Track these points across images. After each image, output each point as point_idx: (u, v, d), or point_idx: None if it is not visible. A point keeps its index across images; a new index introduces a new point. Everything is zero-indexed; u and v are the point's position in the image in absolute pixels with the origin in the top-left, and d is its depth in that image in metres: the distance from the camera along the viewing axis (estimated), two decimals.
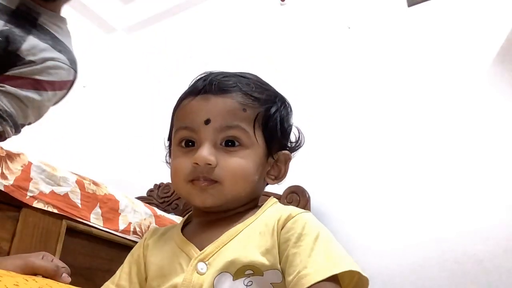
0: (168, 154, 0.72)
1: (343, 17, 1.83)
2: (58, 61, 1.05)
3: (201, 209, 0.65)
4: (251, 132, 0.61)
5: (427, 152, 1.44)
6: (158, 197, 1.86)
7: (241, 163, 0.60)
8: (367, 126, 1.59)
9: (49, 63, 1.03)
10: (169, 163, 0.70)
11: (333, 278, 0.52)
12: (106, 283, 0.65)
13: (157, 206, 1.62)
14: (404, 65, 1.61)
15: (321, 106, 1.72)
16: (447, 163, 1.39)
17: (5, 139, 1.01)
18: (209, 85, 0.63)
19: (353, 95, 1.68)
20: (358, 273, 0.54)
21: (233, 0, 2.27)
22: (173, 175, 0.64)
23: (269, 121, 0.64)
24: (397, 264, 1.33)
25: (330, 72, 1.78)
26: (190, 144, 0.63)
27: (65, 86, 1.09)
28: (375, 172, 1.50)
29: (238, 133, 0.61)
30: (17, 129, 1.02)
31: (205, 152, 0.59)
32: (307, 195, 1.45)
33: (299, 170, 1.57)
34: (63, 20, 1.10)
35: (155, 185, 1.92)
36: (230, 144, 0.61)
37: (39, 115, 1.06)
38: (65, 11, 1.22)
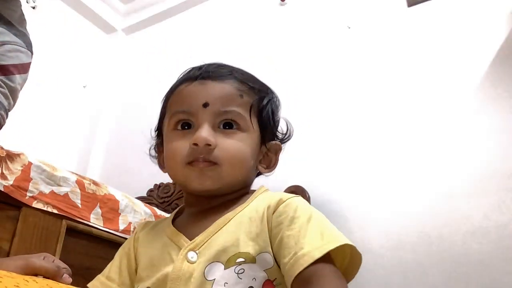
0: (155, 146, 0.72)
1: (343, 17, 1.83)
2: (16, 44, 1.03)
3: (194, 197, 0.65)
4: (247, 117, 0.63)
5: (430, 153, 1.44)
6: (158, 197, 1.86)
7: (239, 145, 0.61)
8: (367, 126, 1.59)
9: (7, 46, 1.01)
10: (155, 156, 0.72)
11: (328, 259, 0.52)
12: (98, 276, 0.65)
13: (157, 206, 1.62)
14: (404, 65, 1.61)
15: (321, 106, 1.72)
16: (450, 167, 1.39)
17: (1, 127, 1.00)
18: (205, 72, 0.64)
19: (353, 95, 1.67)
20: (350, 252, 0.54)
21: (233, 0, 2.27)
22: (170, 158, 0.63)
23: (263, 110, 0.65)
24: (396, 264, 1.33)
25: (330, 72, 1.77)
26: (186, 128, 0.62)
27: (27, 68, 1.08)
28: (376, 172, 1.50)
29: (236, 117, 0.62)
30: (7, 117, 1.02)
31: (205, 133, 0.59)
32: (307, 195, 1.45)
33: (299, 170, 1.58)
34: (16, 3, 1.07)
35: (155, 185, 1.91)
36: (227, 127, 0.61)
37: (14, 102, 1.05)
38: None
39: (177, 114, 0.63)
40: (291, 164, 1.54)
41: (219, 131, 0.61)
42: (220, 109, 0.61)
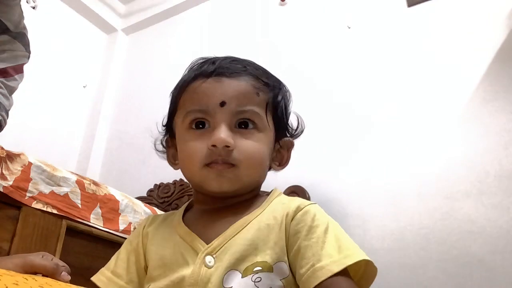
0: (163, 141, 0.70)
1: (343, 17, 1.83)
2: (16, 51, 1.06)
3: (207, 196, 0.63)
4: (263, 116, 0.61)
5: (430, 153, 1.44)
6: (158, 197, 1.86)
7: (258, 146, 0.60)
8: (367, 126, 1.59)
9: (8, 53, 1.04)
10: (162, 151, 0.69)
11: (345, 271, 0.52)
12: (102, 270, 0.64)
13: (157, 206, 1.62)
14: (404, 65, 1.61)
15: (321, 106, 1.72)
16: (450, 167, 1.39)
17: (2, 128, 1.01)
18: (220, 68, 0.62)
19: (353, 95, 1.68)
20: (365, 264, 0.54)
21: (233, 0, 2.28)
22: (187, 159, 0.61)
23: (278, 107, 0.64)
24: (396, 264, 1.33)
25: (330, 72, 1.77)
26: (201, 127, 0.61)
27: (23, 67, 1.09)
28: (376, 172, 1.50)
29: (252, 116, 0.60)
30: (8, 117, 1.03)
31: (224, 134, 0.57)
32: (307, 195, 1.46)
33: (299, 170, 1.58)
34: (16, 3, 1.08)
35: (155, 185, 1.92)
36: (243, 126, 0.60)
37: (12, 103, 1.07)
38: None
39: (192, 112, 0.61)
40: (291, 164, 1.54)
41: (236, 132, 0.59)
42: (237, 108, 0.59)
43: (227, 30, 2.20)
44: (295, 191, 1.46)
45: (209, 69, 0.62)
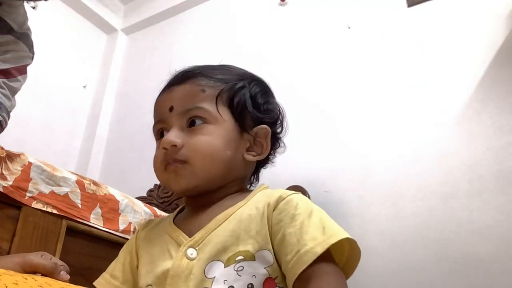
0: None
1: (343, 17, 1.83)
2: (20, 51, 1.06)
3: (187, 196, 0.66)
4: (213, 109, 0.62)
5: (430, 153, 1.44)
6: (158, 197, 1.86)
7: (205, 139, 0.61)
8: (367, 125, 1.59)
9: (12, 53, 1.04)
10: None
11: (329, 256, 0.52)
12: (103, 274, 0.67)
13: (157, 206, 1.62)
14: (404, 65, 1.61)
15: (321, 105, 1.72)
16: (450, 167, 1.39)
17: (3, 129, 1.01)
18: (174, 78, 0.67)
19: (353, 94, 1.67)
20: (349, 247, 0.55)
21: (233, 0, 2.28)
22: (153, 166, 0.65)
23: (235, 97, 0.64)
24: (395, 264, 1.33)
25: (330, 72, 1.77)
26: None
27: (26, 68, 1.10)
28: (376, 172, 1.50)
29: (199, 112, 0.62)
30: (9, 118, 1.03)
31: (170, 135, 0.61)
32: (307, 195, 1.45)
33: (299, 170, 1.58)
34: (20, 5, 1.08)
35: (155, 185, 1.91)
36: (194, 124, 0.62)
37: (15, 101, 1.08)
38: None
39: (155, 124, 0.67)
40: (291, 164, 1.54)
41: (188, 131, 0.62)
42: (182, 109, 0.62)
43: (227, 30, 2.20)
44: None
45: (166, 83, 0.68)
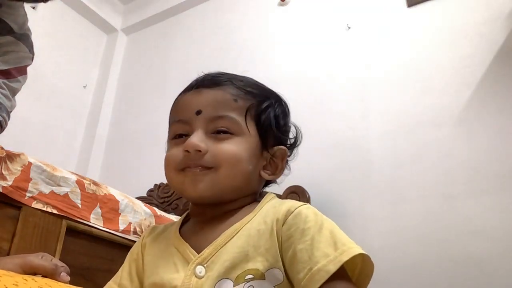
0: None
1: (343, 17, 1.83)
2: (21, 52, 1.06)
3: (198, 207, 0.64)
4: (242, 122, 0.61)
5: (430, 153, 1.44)
6: (158, 197, 1.86)
7: (232, 148, 0.59)
8: (367, 125, 1.59)
9: (12, 54, 1.04)
10: None
11: (343, 272, 0.51)
12: (109, 283, 0.65)
13: (157, 206, 1.62)
14: (403, 65, 1.61)
15: (321, 105, 1.72)
16: (450, 167, 1.39)
17: (3, 129, 1.01)
18: (201, 81, 0.65)
19: (352, 94, 1.68)
20: (361, 260, 0.54)
21: (233, 0, 2.28)
22: (165, 166, 0.63)
23: (262, 114, 0.64)
24: (396, 264, 1.33)
25: (330, 72, 1.77)
26: (183, 137, 0.62)
27: (26, 69, 1.10)
28: (376, 172, 1.50)
29: (228, 123, 0.61)
30: (9, 118, 1.03)
31: (195, 138, 0.59)
32: (307, 195, 1.45)
33: (299, 170, 1.58)
34: (20, 6, 1.09)
35: (155, 185, 1.92)
36: (222, 133, 0.61)
37: (15, 102, 1.08)
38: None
39: (174, 124, 0.64)
40: (291, 164, 1.54)
41: (212, 137, 0.60)
42: (212, 114, 0.60)
43: (227, 30, 2.20)
44: (295, 191, 1.46)
45: (192, 84, 0.65)
